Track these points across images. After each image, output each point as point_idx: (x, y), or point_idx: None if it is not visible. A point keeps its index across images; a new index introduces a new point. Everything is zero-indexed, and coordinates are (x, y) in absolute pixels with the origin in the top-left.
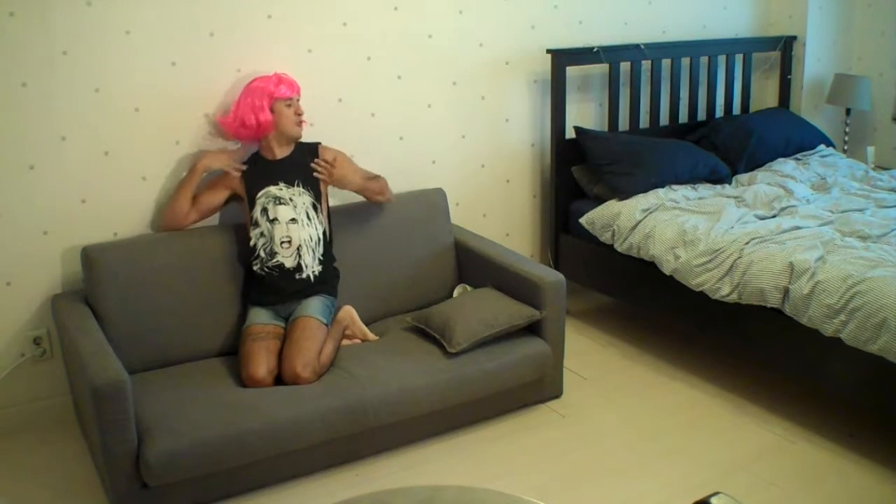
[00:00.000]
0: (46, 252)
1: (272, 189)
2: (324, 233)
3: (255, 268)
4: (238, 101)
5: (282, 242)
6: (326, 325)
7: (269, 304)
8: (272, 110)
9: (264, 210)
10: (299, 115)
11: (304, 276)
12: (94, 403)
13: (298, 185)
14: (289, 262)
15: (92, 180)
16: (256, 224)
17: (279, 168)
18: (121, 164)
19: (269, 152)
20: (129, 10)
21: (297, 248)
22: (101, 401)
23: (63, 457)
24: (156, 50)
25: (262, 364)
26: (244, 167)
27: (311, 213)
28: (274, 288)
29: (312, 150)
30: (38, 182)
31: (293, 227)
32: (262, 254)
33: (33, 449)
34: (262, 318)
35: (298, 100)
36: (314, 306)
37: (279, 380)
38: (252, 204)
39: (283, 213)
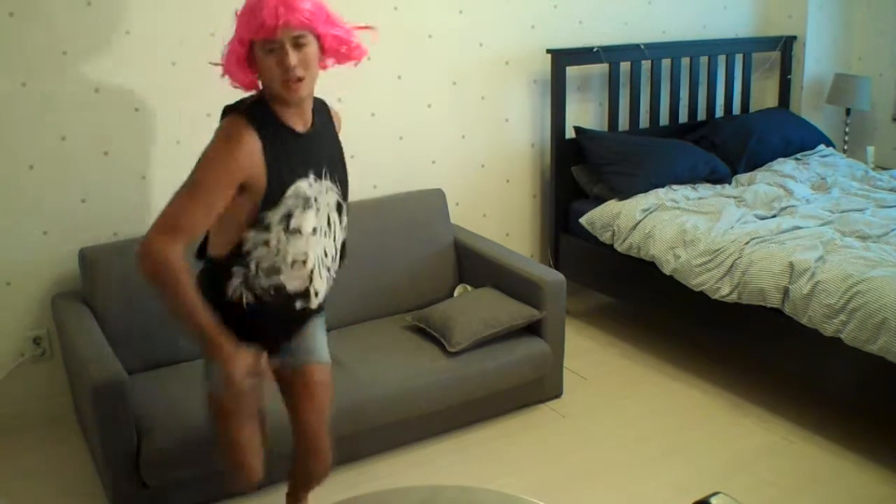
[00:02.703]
0: (46, 252)
1: (302, 185)
2: (343, 243)
3: (229, 292)
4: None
5: (293, 263)
6: None
7: (257, 343)
8: (252, 59)
9: (287, 216)
10: (287, 68)
11: (310, 305)
12: (94, 403)
13: (326, 178)
14: (291, 286)
15: (92, 180)
16: (266, 228)
17: (306, 147)
18: (121, 164)
19: (287, 118)
20: (129, 10)
21: (311, 272)
22: (100, 400)
23: (63, 457)
24: (156, 50)
25: (255, 451)
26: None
27: (334, 217)
28: (266, 323)
29: (324, 109)
30: (37, 182)
31: (312, 241)
32: (254, 268)
33: (33, 449)
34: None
35: (297, 38)
36: (322, 341)
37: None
38: (274, 202)
39: (308, 221)
